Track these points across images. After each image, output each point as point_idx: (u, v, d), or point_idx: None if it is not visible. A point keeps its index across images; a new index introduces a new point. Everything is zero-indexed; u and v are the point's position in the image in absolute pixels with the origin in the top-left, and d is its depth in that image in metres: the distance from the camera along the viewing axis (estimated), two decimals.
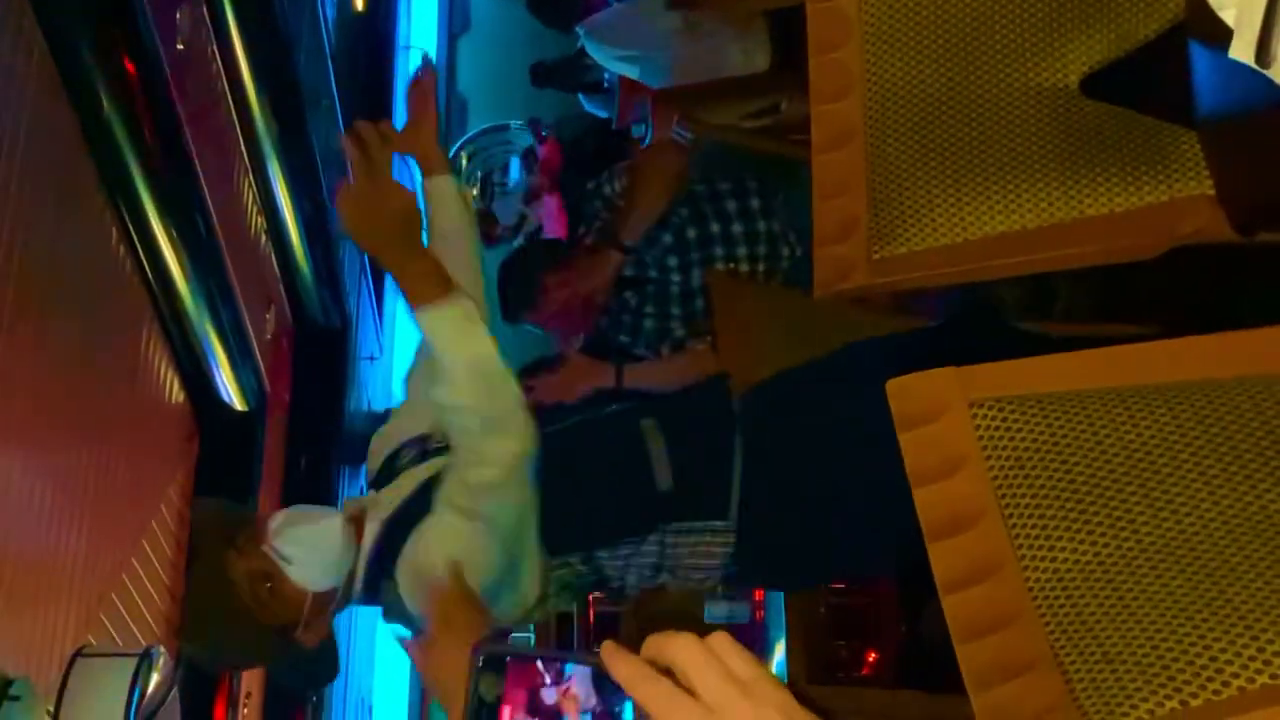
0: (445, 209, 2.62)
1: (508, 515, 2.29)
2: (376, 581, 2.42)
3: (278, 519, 2.39)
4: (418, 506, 2.36)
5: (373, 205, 2.17)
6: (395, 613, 2.43)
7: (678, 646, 0.91)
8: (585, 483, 2.34)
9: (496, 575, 2.29)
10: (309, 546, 2.35)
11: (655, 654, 0.92)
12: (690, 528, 2.43)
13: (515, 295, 4.08)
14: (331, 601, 2.39)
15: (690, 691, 0.90)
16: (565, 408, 2.63)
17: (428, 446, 2.50)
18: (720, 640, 0.93)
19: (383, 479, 2.55)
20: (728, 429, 2.46)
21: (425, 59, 2.67)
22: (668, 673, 0.91)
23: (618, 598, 4.61)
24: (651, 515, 2.44)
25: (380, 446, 2.66)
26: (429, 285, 2.19)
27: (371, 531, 2.41)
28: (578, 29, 5.50)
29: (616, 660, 0.92)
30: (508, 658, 1.09)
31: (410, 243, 2.19)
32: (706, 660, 0.91)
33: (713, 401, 2.50)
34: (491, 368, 2.20)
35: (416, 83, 2.64)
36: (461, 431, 2.24)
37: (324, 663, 2.54)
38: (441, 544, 2.25)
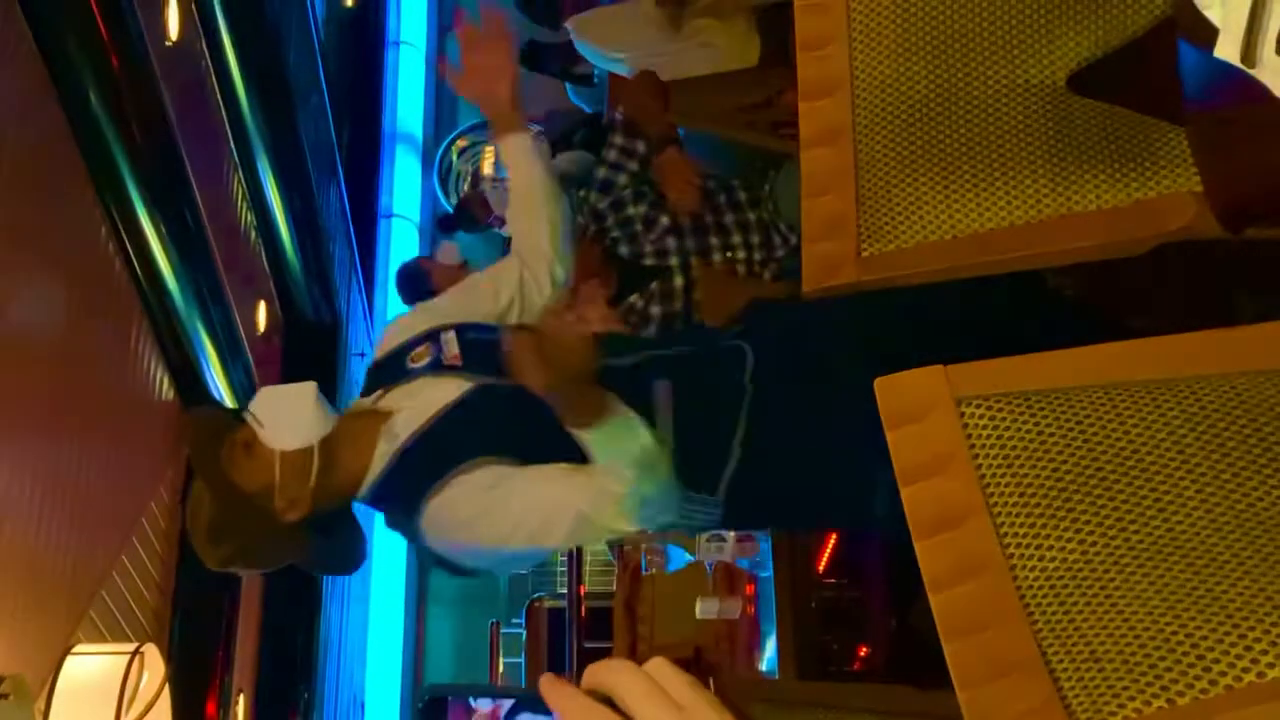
0: (522, 170, 2.64)
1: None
2: (384, 502, 2.48)
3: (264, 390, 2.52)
4: (445, 446, 2.39)
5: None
6: (400, 528, 2.49)
7: (617, 675, 0.92)
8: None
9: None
10: (279, 407, 2.44)
11: (595, 683, 0.92)
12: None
13: None
14: (307, 474, 2.41)
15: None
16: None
17: (441, 355, 2.50)
18: (658, 666, 0.93)
19: (388, 374, 2.55)
20: (735, 406, 2.45)
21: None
22: (608, 702, 0.91)
23: None
24: None
25: (400, 330, 2.66)
26: (589, 414, 2.22)
27: (385, 451, 2.44)
28: (566, 25, 5.50)
29: (555, 692, 0.92)
30: (449, 698, 1.10)
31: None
32: (645, 688, 0.91)
33: (729, 375, 2.49)
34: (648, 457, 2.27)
35: (488, 27, 2.57)
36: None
37: (323, 550, 2.57)
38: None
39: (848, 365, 2.34)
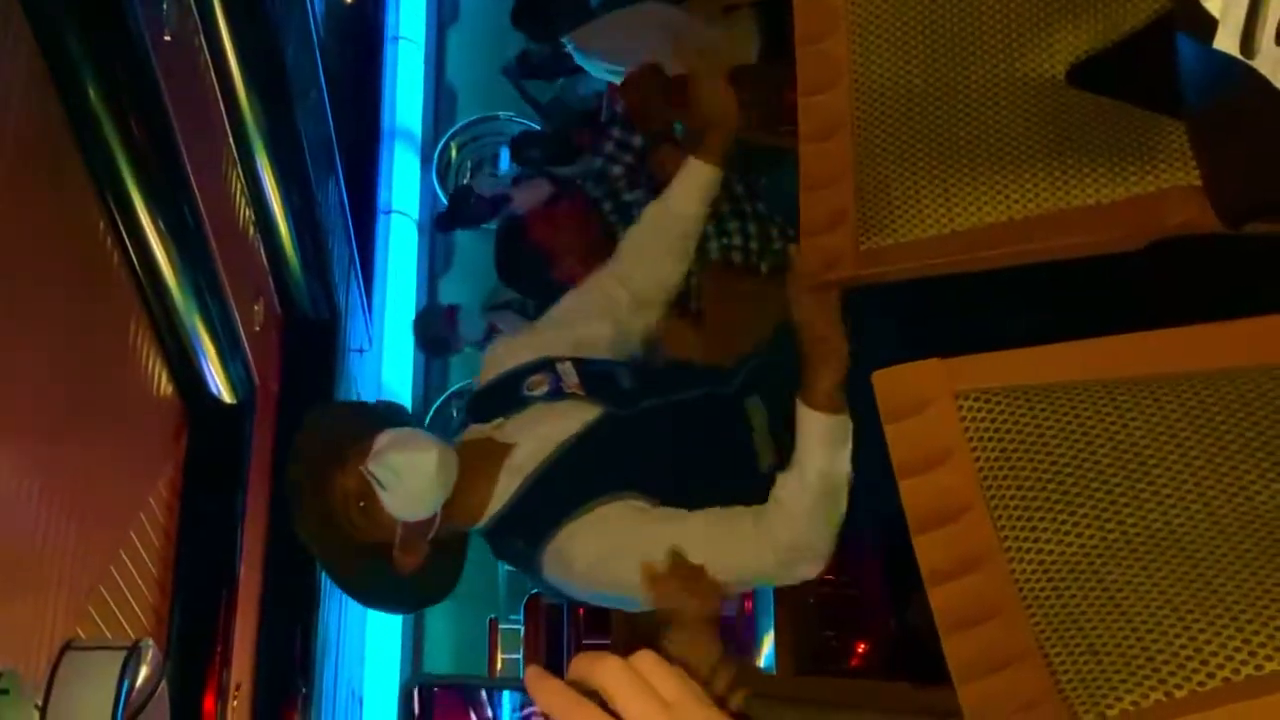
0: (688, 191, 2.62)
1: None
2: (504, 534, 2.40)
3: (383, 440, 2.32)
4: (574, 479, 2.32)
5: None
6: (516, 560, 2.43)
7: (603, 669, 0.91)
8: (694, 466, 2.35)
9: None
10: (402, 477, 2.28)
11: (581, 676, 0.92)
12: None
13: (529, 263, 4.12)
14: (428, 531, 2.34)
15: (616, 715, 0.91)
16: (679, 377, 2.56)
17: (562, 384, 2.43)
18: (645, 660, 0.93)
19: (501, 401, 2.47)
20: None
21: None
22: (594, 694, 0.91)
23: None
24: (755, 497, 2.36)
25: (503, 356, 2.58)
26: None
27: (508, 485, 2.37)
28: (565, 41, 5.50)
29: (541, 686, 0.92)
30: (436, 689, 1.10)
31: None
32: (631, 683, 0.91)
33: None
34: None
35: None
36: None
37: (427, 586, 2.48)
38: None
39: None
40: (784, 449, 2.33)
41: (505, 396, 2.48)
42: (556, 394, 2.42)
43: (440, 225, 8.24)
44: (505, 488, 2.37)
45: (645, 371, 2.54)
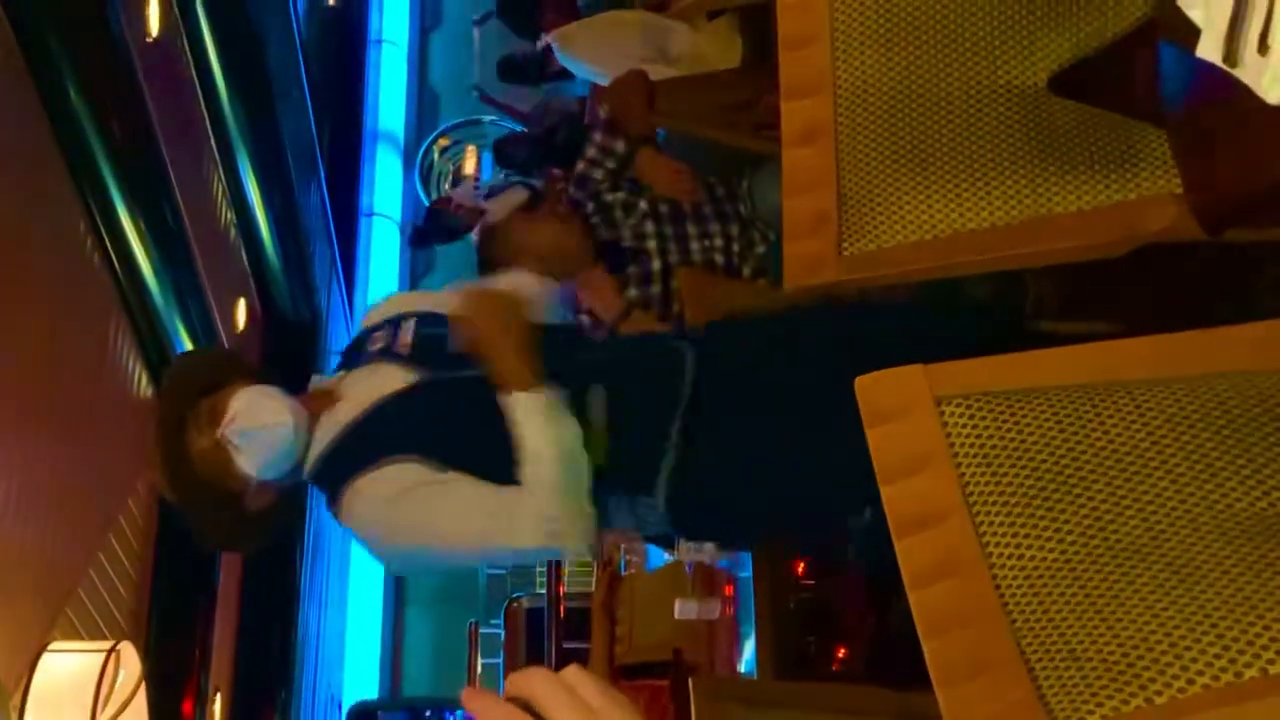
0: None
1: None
2: (319, 484, 2.53)
3: (239, 401, 2.44)
4: (373, 437, 2.43)
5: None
6: (331, 511, 2.53)
7: (534, 682, 1.01)
8: (495, 443, 2.38)
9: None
10: (257, 445, 2.43)
11: (515, 691, 1.01)
12: (619, 499, 2.46)
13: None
14: (276, 484, 2.49)
15: None
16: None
17: (394, 344, 2.53)
18: (572, 673, 1.02)
19: (351, 356, 2.61)
20: (671, 405, 2.43)
21: None
22: (527, 706, 1.00)
23: None
24: None
25: (372, 313, 2.72)
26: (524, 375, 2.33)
27: (322, 438, 2.48)
28: (547, 39, 5.50)
29: (478, 702, 1.01)
30: (379, 712, 1.19)
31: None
32: (559, 692, 1.00)
33: (667, 376, 2.46)
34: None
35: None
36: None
37: (272, 522, 2.60)
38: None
39: (799, 388, 2.37)
40: (623, 443, 2.41)
41: (356, 350, 2.61)
42: (386, 352, 2.52)
43: (416, 241, 8.17)
44: (321, 438, 2.48)
45: None
